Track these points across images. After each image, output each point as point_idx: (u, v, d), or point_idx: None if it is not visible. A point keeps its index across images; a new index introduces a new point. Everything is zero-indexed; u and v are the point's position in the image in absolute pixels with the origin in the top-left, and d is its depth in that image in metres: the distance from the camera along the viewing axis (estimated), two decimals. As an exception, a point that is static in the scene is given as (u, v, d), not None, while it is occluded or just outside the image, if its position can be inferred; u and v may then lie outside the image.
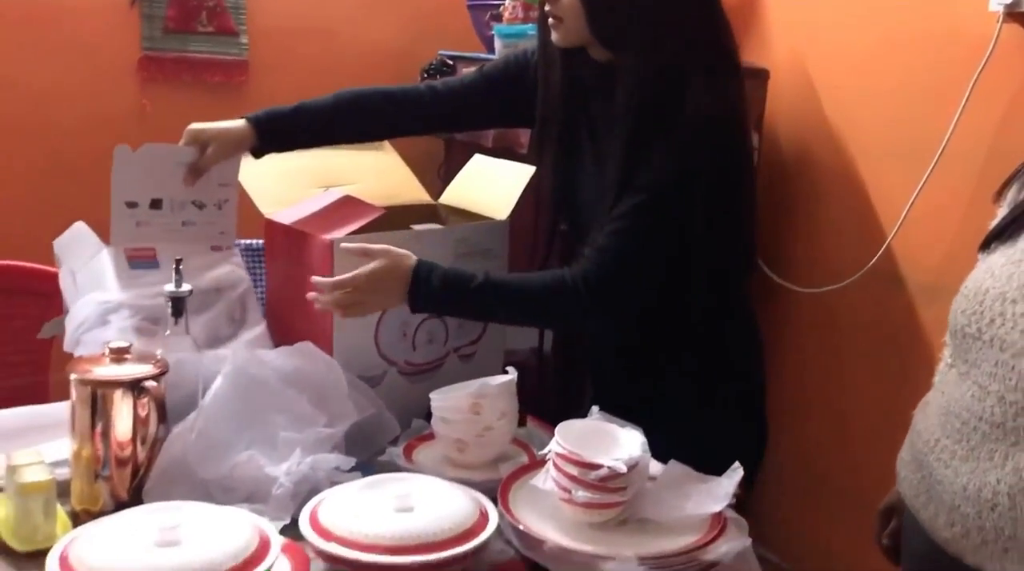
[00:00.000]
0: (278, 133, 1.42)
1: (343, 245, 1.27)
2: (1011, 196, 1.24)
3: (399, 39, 2.40)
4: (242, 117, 1.42)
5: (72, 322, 1.34)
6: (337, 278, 1.23)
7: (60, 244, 1.47)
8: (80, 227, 1.44)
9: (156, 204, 1.40)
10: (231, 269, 1.43)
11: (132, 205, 1.39)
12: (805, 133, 2.17)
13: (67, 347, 1.34)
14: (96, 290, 1.34)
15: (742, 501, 1.13)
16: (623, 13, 1.26)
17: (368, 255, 1.24)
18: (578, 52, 1.34)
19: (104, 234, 1.40)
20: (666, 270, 1.29)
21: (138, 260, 1.37)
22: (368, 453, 1.27)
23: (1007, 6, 1.69)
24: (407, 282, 1.23)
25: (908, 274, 1.98)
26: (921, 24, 1.90)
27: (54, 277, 1.67)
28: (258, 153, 1.42)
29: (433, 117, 1.51)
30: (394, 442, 1.30)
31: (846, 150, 2.08)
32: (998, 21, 1.72)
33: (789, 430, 2.23)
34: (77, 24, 2.05)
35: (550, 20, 1.32)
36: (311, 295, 1.24)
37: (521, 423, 1.38)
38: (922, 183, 1.87)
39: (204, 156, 1.39)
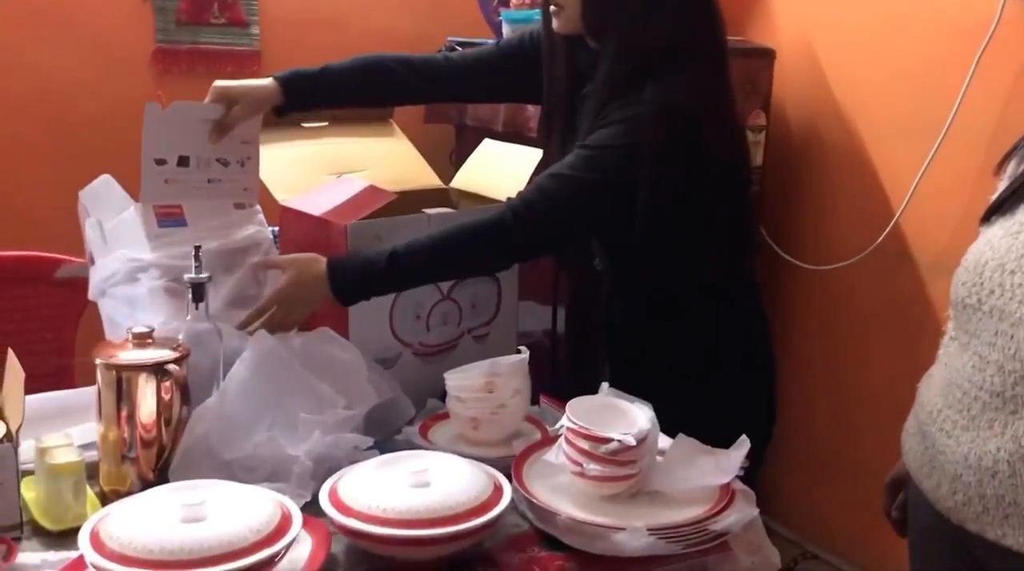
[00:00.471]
0: (303, 92, 1.48)
1: (253, 260, 1.38)
2: (1011, 169, 1.26)
3: (408, 26, 2.42)
4: (269, 76, 1.47)
5: (98, 273, 1.38)
6: (258, 306, 1.32)
7: (87, 194, 1.50)
8: (107, 179, 1.47)
9: (183, 161, 1.42)
10: (256, 230, 1.44)
11: (161, 162, 1.41)
12: (812, 113, 2.19)
13: (92, 296, 1.40)
14: (125, 246, 1.37)
15: (750, 473, 1.16)
16: (610, 5, 1.33)
17: (280, 267, 1.33)
18: (579, 40, 1.40)
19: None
20: (618, 236, 1.37)
21: (166, 218, 1.39)
22: (385, 433, 1.30)
23: (1011, -17, 1.70)
24: (325, 282, 1.29)
25: (916, 251, 2.00)
26: (925, 4, 1.91)
27: (76, 266, 1.72)
28: (281, 111, 1.47)
29: (448, 85, 1.56)
30: (410, 422, 1.34)
31: (853, 129, 2.09)
32: (1001, 0, 1.73)
33: (798, 405, 2.26)
34: (93, 17, 2.09)
35: (551, 8, 1.39)
36: (249, 329, 1.30)
37: (534, 402, 1.42)
38: (928, 161, 1.89)
39: (230, 113, 1.42)
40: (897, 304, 2.04)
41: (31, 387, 1.36)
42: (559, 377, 2.08)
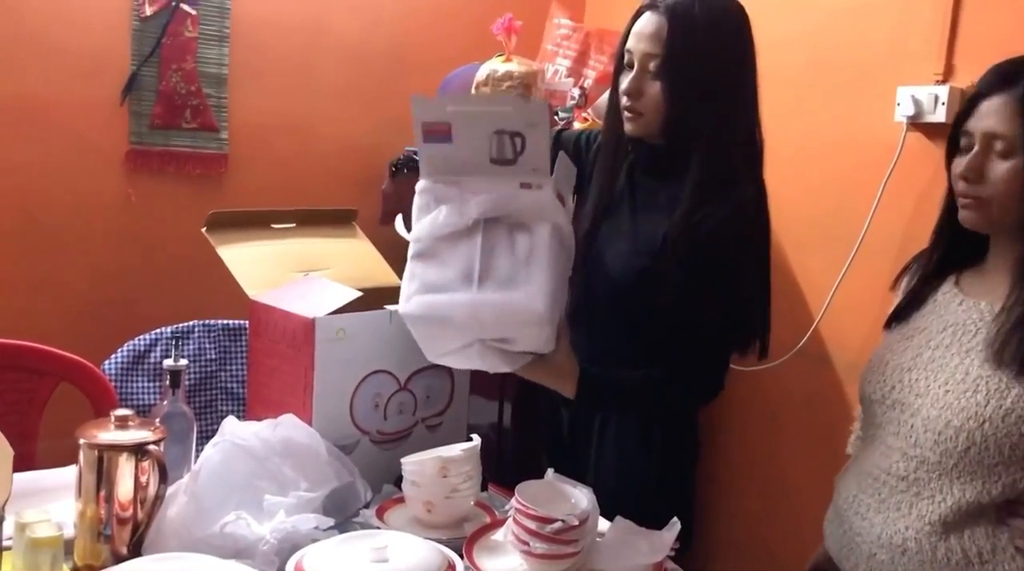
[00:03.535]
0: None
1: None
2: (904, 283, 1.44)
3: (369, 135, 2.58)
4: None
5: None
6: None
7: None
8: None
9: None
10: (531, 206, 1.36)
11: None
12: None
13: None
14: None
15: (679, 552, 1.27)
16: (696, 114, 1.46)
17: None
18: (637, 139, 1.55)
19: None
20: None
21: (432, 135, 1.37)
22: (343, 515, 1.39)
23: (909, 118, 1.93)
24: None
25: (834, 353, 2.17)
26: (836, 133, 2.13)
27: (45, 354, 1.80)
28: None
29: None
30: (367, 506, 1.43)
31: (777, 241, 2.27)
32: (903, 130, 1.96)
33: (728, 498, 2.38)
34: (71, 119, 2.20)
35: (627, 114, 1.51)
36: None
37: (483, 488, 1.52)
38: (843, 272, 2.08)
39: None
40: (818, 402, 2.19)
41: None
42: (505, 467, 2.18)
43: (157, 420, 1.28)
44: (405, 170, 2.47)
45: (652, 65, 1.47)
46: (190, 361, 2.07)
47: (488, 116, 1.33)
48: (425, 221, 1.38)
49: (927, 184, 1.96)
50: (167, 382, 1.32)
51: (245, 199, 2.39)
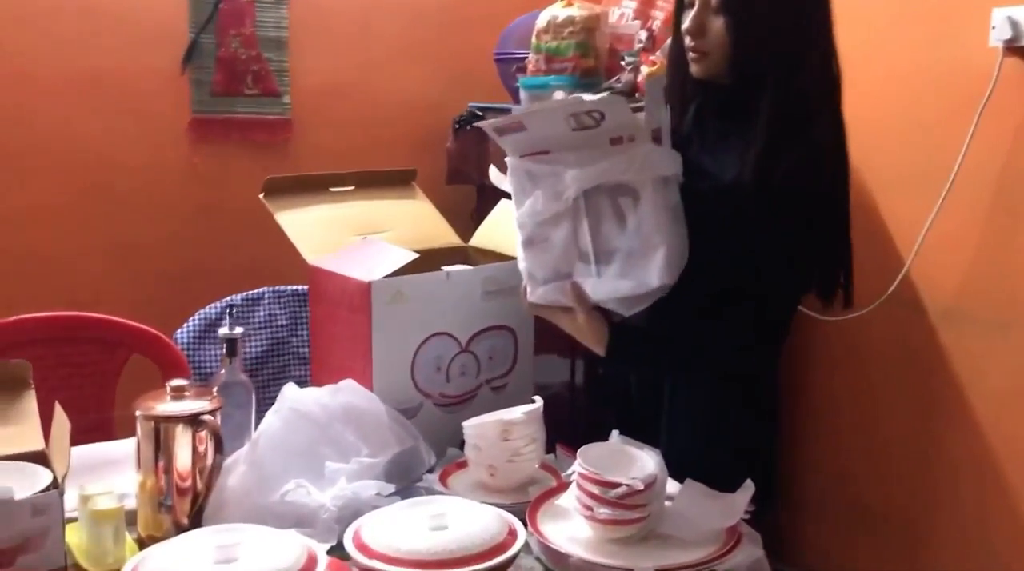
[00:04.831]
0: None
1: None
2: None
3: (431, 93, 2.53)
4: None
5: None
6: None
7: None
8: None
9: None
10: (629, 165, 1.27)
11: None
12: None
13: None
14: None
15: (755, 515, 1.20)
16: (764, 50, 1.36)
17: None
18: (703, 80, 1.44)
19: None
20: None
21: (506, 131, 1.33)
22: (408, 480, 1.36)
23: (1006, 42, 1.77)
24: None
25: (927, 300, 2.04)
26: (926, 60, 1.98)
27: (117, 326, 1.82)
28: None
29: None
30: (431, 470, 1.40)
31: (861, 181, 2.15)
32: (998, 56, 1.80)
33: (817, 456, 2.28)
34: (133, 90, 2.22)
35: (692, 55, 1.41)
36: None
37: (550, 450, 1.47)
38: (935, 211, 1.94)
39: None
40: (911, 352, 2.07)
41: (75, 440, 1.44)
42: (577, 427, 2.13)
43: (215, 389, 1.27)
44: (468, 127, 2.42)
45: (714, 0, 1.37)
46: (261, 327, 2.07)
47: (559, 105, 1.30)
48: (525, 208, 1.35)
49: (1027, 114, 1.81)
50: (224, 351, 1.30)
51: (309, 163, 2.38)
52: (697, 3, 1.39)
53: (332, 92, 2.43)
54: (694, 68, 1.43)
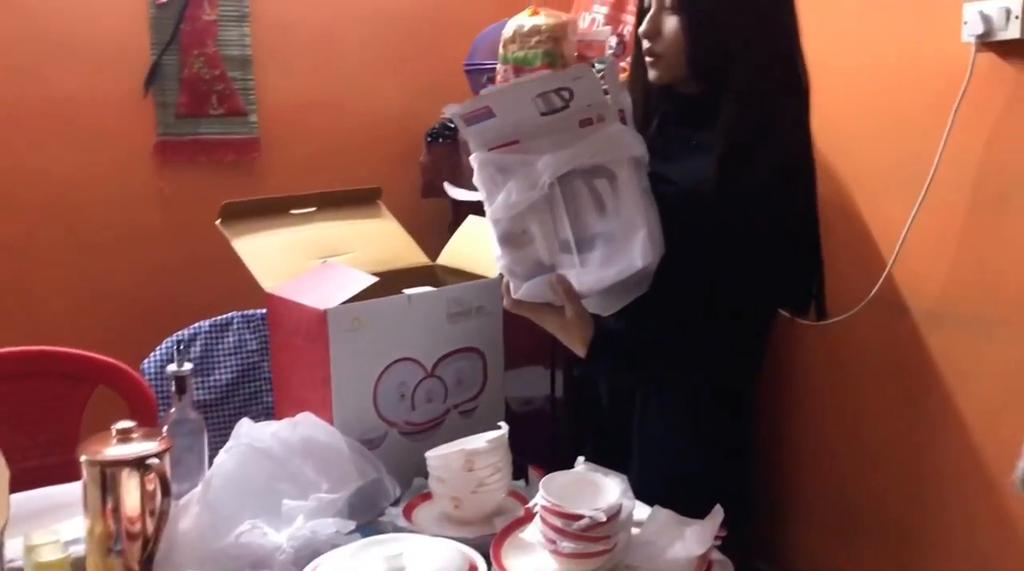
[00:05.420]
0: None
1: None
2: None
3: (402, 106, 2.49)
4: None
5: None
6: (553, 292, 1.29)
7: None
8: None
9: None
10: (602, 146, 1.25)
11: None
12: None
13: None
14: None
15: (733, 527, 1.16)
16: (721, 50, 1.31)
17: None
18: (666, 88, 1.40)
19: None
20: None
21: (473, 118, 1.27)
22: (371, 515, 1.32)
23: (978, 36, 1.72)
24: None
25: (911, 301, 1.99)
26: (899, 58, 1.94)
27: (78, 359, 1.78)
28: None
29: None
30: (396, 502, 1.35)
31: (840, 181, 2.11)
32: (971, 51, 1.76)
33: (811, 460, 2.24)
34: (96, 115, 2.17)
35: (648, 59, 1.37)
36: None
37: (521, 475, 1.43)
38: (915, 210, 1.90)
39: None
40: (897, 354, 2.02)
41: (36, 480, 1.40)
42: (558, 441, 2.09)
43: (165, 428, 1.23)
44: (440, 139, 2.38)
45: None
46: (231, 353, 2.03)
47: (526, 85, 1.24)
48: (498, 202, 1.28)
49: (1003, 110, 1.76)
50: (173, 389, 1.26)
51: (279, 182, 2.34)
52: (654, 5, 1.35)
53: (300, 108, 2.39)
54: (651, 73, 1.38)
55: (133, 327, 2.16)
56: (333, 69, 2.42)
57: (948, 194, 1.87)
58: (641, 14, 1.41)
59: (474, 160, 1.30)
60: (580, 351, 1.31)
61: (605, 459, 1.39)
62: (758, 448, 2.28)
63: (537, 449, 1.70)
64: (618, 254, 1.25)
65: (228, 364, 2.02)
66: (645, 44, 1.37)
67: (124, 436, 1.17)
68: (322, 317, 1.35)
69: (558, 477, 1.18)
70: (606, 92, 1.26)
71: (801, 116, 1.36)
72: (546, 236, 1.27)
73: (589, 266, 1.26)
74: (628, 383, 1.46)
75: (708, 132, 1.35)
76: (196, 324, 2.01)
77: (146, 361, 1.93)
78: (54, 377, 1.77)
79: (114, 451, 1.16)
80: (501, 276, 1.35)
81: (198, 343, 2.00)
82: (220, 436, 1.34)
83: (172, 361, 1.93)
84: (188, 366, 1.27)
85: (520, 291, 1.30)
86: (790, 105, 1.34)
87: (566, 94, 1.21)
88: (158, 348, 1.95)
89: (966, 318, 1.89)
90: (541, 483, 1.15)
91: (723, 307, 1.31)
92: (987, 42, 1.74)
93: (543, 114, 1.22)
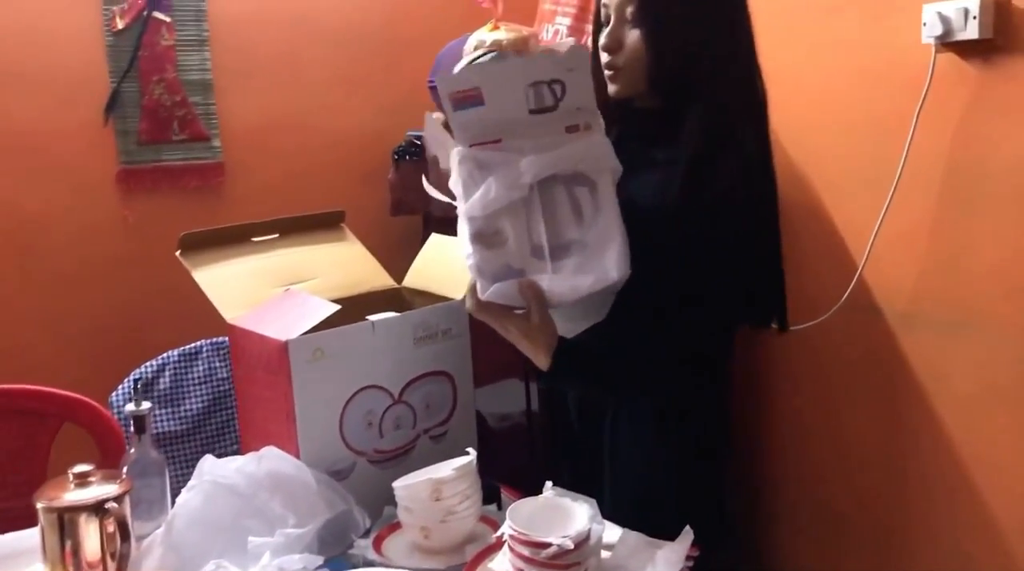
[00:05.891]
0: None
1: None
2: None
3: (368, 124, 2.47)
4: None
5: None
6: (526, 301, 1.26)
7: None
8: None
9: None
10: (587, 153, 1.25)
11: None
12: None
13: None
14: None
15: (698, 562, 1.15)
16: (683, 64, 1.30)
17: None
18: (625, 103, 1.39)
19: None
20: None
21: (463, 102, 1.23)
22: (340, 548, 1.30)
23: (938, 37, 1.72)
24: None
25: (883, 303, 1.99)
26: (860, 61, 1.93)
27: (42, 395, 1.74)
28: None
29: None
30: (367, 533, 1.33)
31: (808, 186, 2.10)
32: (932, 52, 1.75)
33: (794, 465, 2.23)
34: (56, 145, 2.14)
35: (608, 72, 1.36)
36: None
37: (493, 499, 1.41)
38: (883, 213, 1.89)
39: None
40: (872, 356, 2.02)
41: (8, 524, 1.37)
42: (535, 457, 2.07)
43: (124, 469, 1.20)
44: (407, 157, 2.36)
45: (629, 11, 1.31)
46: (202, 382, 2.00)
47: (521, 68, 1.22)
48: (475, 198, 1.25)
49: (965, 109, 1.76)
50: (131, 429, 1.24)
51: (246, 206, 2.31)
52: (613, 18, 1.34)
53: (264, 131, 2.36)
54: (611, 88, 1.37)
55: (101, 360, 2.13)
56: (296, 90, 2.39)
57: (915, 195, 1.86)
58: (598, 28, 1.40)
59: (455, 155, 1.27)
60: (543, 361, 1.29)
61: (580, 479, 1.38)
62: (739, 454, 2.30)
63: (515, 466, 1.68)
64: (592, 264, 1.23)
65: (199, 393, 2.00)
66: (605, 58, 1.36)
67: (82, 480, 1.15)
68: (283, 349, 1.33)
69: (525, 504, 1.16)
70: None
71: (761, 129, 1.35)
72: (519, 238, 1.25)
73: (562, 273, 1.24)
74: (592, 395, 1.44)
75: (668, 147, 1.33)
76: (165, 354, 1.98)
77: (114, 394, 1.90)
78: (17, 415, 1.73)
79: (72, 495, 1.14)
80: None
81: (167, 373, 1.98)
82: (192, 467, 1.31)
83: (144, 391, 1.94)
84: (146, 405, 1.25)
85: (487, 292, 1.26)
86: (752, 120, 1.34)
87: (558, 89, 1.20)
88: (126, 380, 1.92)
89: (938, 318, 1.88)
90: (508, 511, 1.13)
91: (685, 321, 1.30)
92: (947, 43, 1.73)
93: (532, 111, 1.21)
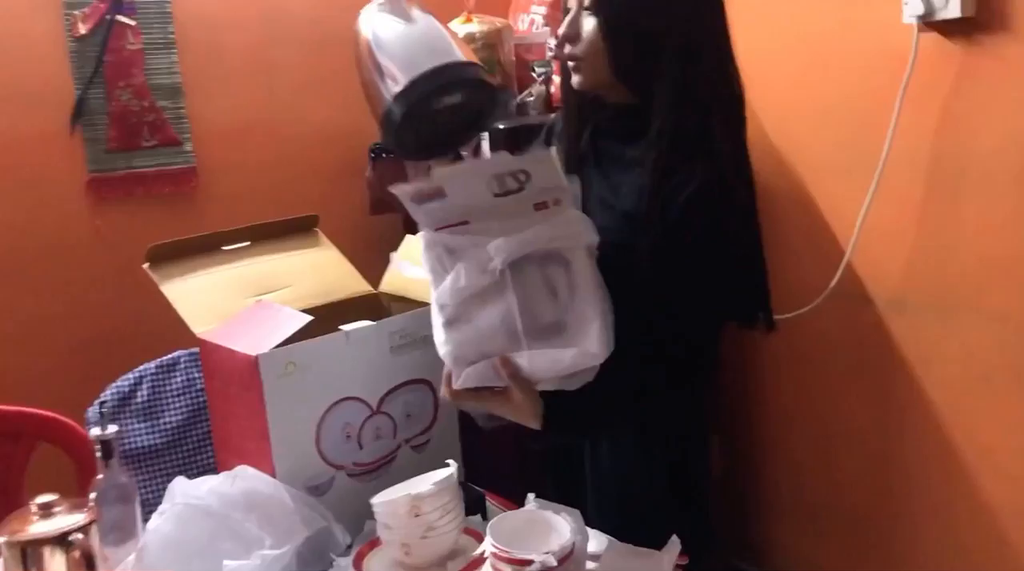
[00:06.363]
0: None
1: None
2: None
3: (343, 122, 2.42)
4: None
5: None
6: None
7: None
8: None
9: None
10: (558, 231, 1.18)
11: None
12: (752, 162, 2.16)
13: None
14: None
15: (695, 559, 1.12)
16: (642, 53, 1.24)
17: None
18: (597, 98, 1.34)
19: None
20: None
21: (423, 198, 1.18)
22: (320, 567, 1.26)
23: (920, 17, 1.68)
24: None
25: (871, 290, 1.96)
26: (842, 43, 1.90)
27: (12, 415, 1.70)
28: None
29: None
30: (349, 547, 1.30)
31: (793, 173, 2.07)
32: (914, 33, 1.71)
33: (782, 454, 2.21)
34: (21, 157, 2.09)
35: (570, 63, 1.30)
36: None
37: (478, 509, 1.38)
38: (869, 197, 1.86)
39: None
40: (861, 344, 1.99)
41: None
42: (528, 465, 2.03)
43: (93, 496, 1.16)
44: (384, 154, 2.31)
45: None
46: (181, 393, 1.96)
47: (483, 165, 1.17)
48: (445, 286, 1.19)
49: (950, 90, 1.73)
50: (99, 454, 1.20)
51: (221, 211, 2.26)
52: (574, 6, 1.29)
53: (237, 134, 2.31)
54: (574, 79, 1.31)
55: (77, 375, 2.08)
56: (268, 91, 2.34)
57: (901, 179, 1.83)
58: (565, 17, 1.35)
59: (420, 239, 1.21)
60: (534, 425, 1.22)
61: (563, 485, 1.34)
62: (730, 446, 2.27)
63: (507, 468, 1.65)
64: (572, 344, 1.16)
65: (178, 404, 1.95)
66: (567, 48, 1.31)
67: (46, 511, 1.11)
68: (253, 364, 1.29)
69: (507, 519, 1.13)
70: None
71: (737, 128, 1.29)
72: (493, 324, 1.17)
73: (542, 353, 1.17)
74: (591, 438, 1.40)
75: (640, 145, 1.28)
76: (141, 366, 1.93)
77: (90, 409, 1.86)
78: (-2, 437, 1.69)
79: (35, 528, 1.09)
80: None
81: (144, 386, 1.93)
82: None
83: (121, 405, 1.90)
84: (112, 428, 1.21)
85: (462, 378, 1.20)
86: (724, 115, 1.27)
87: (523, 176, 1.14)
88: (102, 394, 1.88)
89: (926, 304, 1.85)
90: (489, 527, 1.09)
91: (668, 333, 1.24)
92: (929, 22, 1.70)
93: (496, 195, 1.15)
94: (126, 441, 1.88)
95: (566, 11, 1.34)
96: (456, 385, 1.20)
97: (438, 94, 1.22)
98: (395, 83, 1.22)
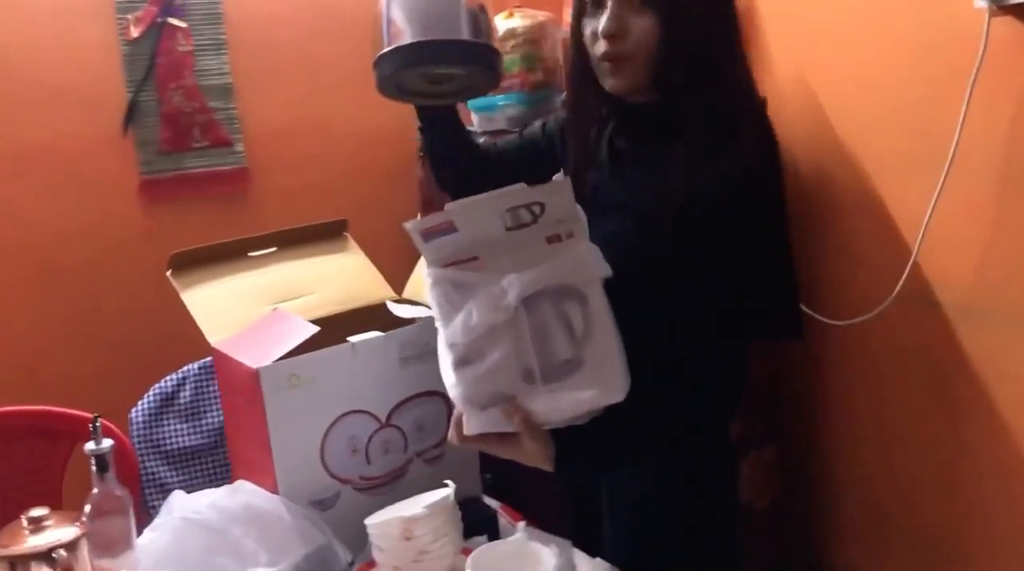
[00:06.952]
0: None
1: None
2: None
3: (393, 122, 2.37)
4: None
5: None
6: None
7: None
8: None
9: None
10: (572, 265, 1.13)
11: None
12: (816, 155, 2.04)
13: None
14: None
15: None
16: (693, 52, 1.19)
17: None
18: (614, 99, 1.28)
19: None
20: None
21: (433, 233, 1.14)
22: (318, 584, 1.24)
23: (992, 0, 1.53)
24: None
25: (940, 294, 1.81)
26: (908, 31, 1.75)
27: (54, 416, 1.74)
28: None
29: (494, 177, 1.38)
30: (350, 566, 1.27)
31: (857, 169, 1.93)
32: (985, 17, 1.56)
33: (845, 464, 2.08)
34: (75, 159, 2.14)
35: (607, 65, 1.23)
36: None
37: (485, 529, 1.33)
38: (937, 194, 1.71)
39: None
40: (928, 352, 1.84)
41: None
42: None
43: (87, 510, 1.16)
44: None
45: None
46: (217, 397, 1.98)
47: (496, 200, 1.10)
48: (456, 324, 1.13)
49: (1024, 79, 1.57)
50: (93, 469, 1.20)
51: (271, 210, 2.27)
52: (613, 2, 1.20)
53: (288, 134, 2.32)
54: (611, 81, 1.24)
55: (124, 374, 2.11)
56: (317, 89, 2.34)
57: (972, 174, 1.68)
58: (578, 14, 1.27)
59: (427, 277, 1.16)
60: (546, 467, 1.16)
61: (586, 514, 1.29)
62: (787, 455, 2.16)
63: (527, 486, 1.60)
64: (592, 383, 1.11)
65: (220, 407, 1.97)
66: (602, 46, 1.22)
67: (36, 525, 1.11)
68: (255, 376, 1.27)
69: (492, 550, 1.08)
70: None
71: (765, 132, 1.21)
72: (507, 363, 1.12)
73: (558, 394, 1.12)
74: (609, 473, 1.33)
75: (662, 148, 1.21)
76: (185, 367, 1.96)
77: (134, 410, 1.89)
78: (29, 438, 1.73)
79: (23, 543, 1.10)
80: None
81: (188, 387, 1.95)
82: (217, 482, 1.31)
83: (164, 406, 1.93)
84: (107, 443, 1.21)
85: (473, 424, 1.15)
86: (752, 117, 1.22)
87: (537, 209, 1.08)
88: (145, 396, 1.91)
89: (1000, 312, 1.70)
90: (469, 561, 1.04)
91: (686, 342, 1.17)
92: (1002, 5, 1.54)
93: (508, 229, 1.10)
94: (169, 441, 1.91)
95: (581, 6, 1.27)
96: (467, 431, 1.15)
97: (432, 63, 1.28)
98: (399, 37, 1.32)
